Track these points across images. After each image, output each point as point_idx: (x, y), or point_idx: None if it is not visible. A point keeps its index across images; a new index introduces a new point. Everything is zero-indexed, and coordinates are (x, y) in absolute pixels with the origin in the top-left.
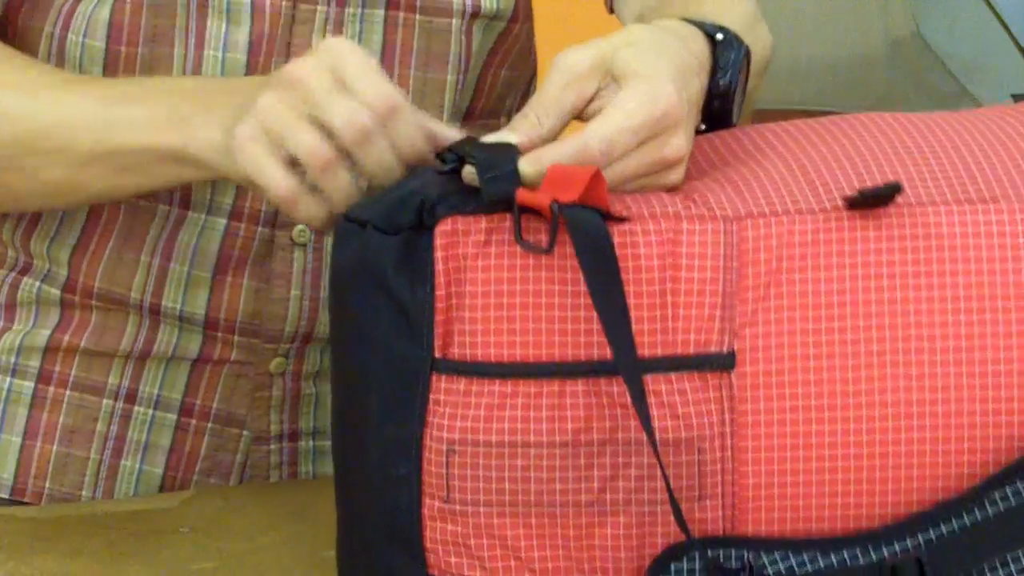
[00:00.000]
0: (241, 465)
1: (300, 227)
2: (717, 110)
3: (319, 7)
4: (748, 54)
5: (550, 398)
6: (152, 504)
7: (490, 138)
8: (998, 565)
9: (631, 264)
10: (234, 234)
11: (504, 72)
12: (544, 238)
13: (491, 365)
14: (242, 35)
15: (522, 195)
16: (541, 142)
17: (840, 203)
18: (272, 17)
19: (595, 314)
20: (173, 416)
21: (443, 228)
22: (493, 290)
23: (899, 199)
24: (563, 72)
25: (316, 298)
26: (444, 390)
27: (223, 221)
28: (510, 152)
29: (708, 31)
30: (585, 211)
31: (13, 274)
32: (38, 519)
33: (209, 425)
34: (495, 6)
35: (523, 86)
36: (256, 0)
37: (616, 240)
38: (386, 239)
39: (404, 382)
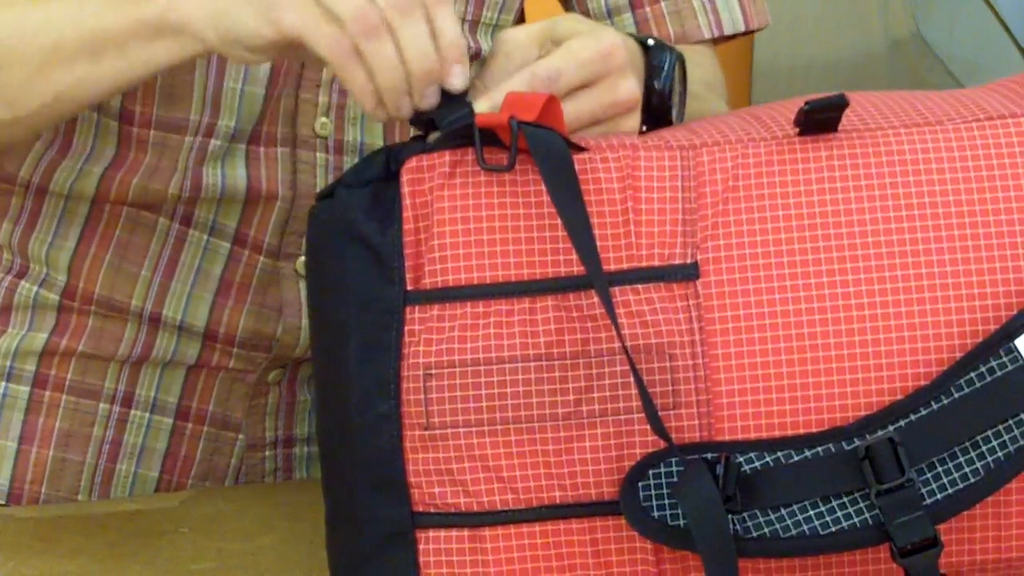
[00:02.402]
0: (236, 469)
1: (304, 259)
2: (656, 108)
3: None
4: (681, 59)
5: (521, 315)
6: (152, 504)
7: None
8: (968, 447)
9: (592, 187)
10: (237, 259)
11: None
12: (506, 162)
13: (462, 288)
14: (262, 70)
15: (481, 118)
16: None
17: (790, 130)
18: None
19: (560, 231)
20: (169, 420)
21: (408, 166)
22: (460, 217)
23: (848, 124)
24: (505, 43)
25: None
26: (418, 320)
27: (227, 245)
28: (464, 102)
29: (639, 39)
30: (542, 129)
31: (9, 277)
32: (38, 519)
33: (205, 429)
34: (495, 16)
35: None
36: None
37: (576, 167)
38: (355, 192)
39: (380, 322)
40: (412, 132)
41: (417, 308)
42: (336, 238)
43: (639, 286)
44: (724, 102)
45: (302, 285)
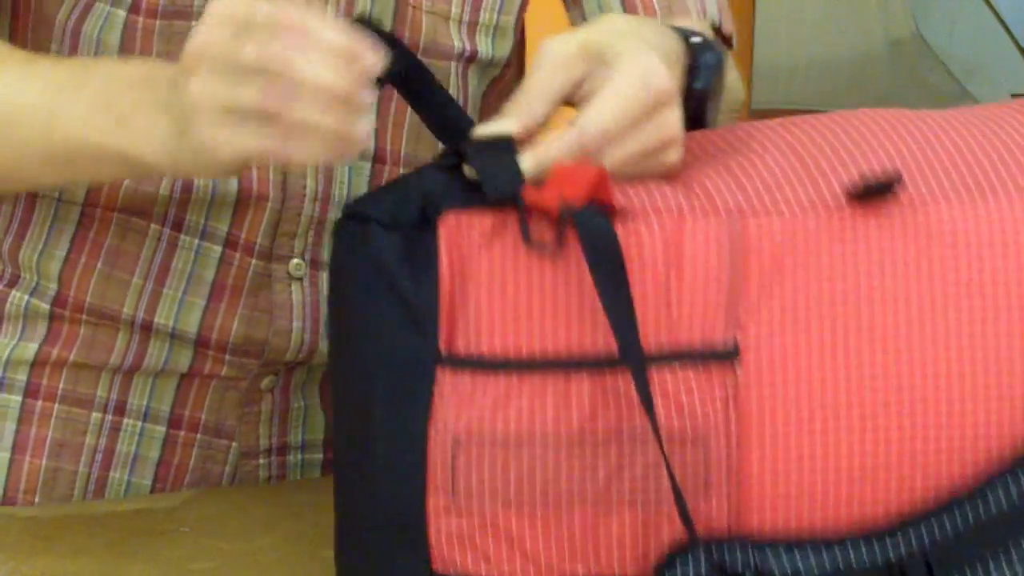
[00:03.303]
0: (230, 477)
1: (296, 261)
2: (692, 111)
3: None
4: (722, 59)
5: (556, 390)
6: (152, 504)
7: (485, 129)
8: (1000, 554)
9: (635, 259)
10: (229, 263)
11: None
12: (548, 233)
13: (496, 358)
14: None
15: (529, 195)
16: (535, 127)
17: (841, 196)
18: None
19: (601, 311)
20: (162, 428)
21: (447, 222)
22: (498, 283)
23: (900, 192)
24: (550, 57)
25: (316, 329)
26: (449, 383)
27: (219, 248)
28: (507, 148)
29: (684, 34)
30: (593, 214)
31: (0, 287)
32: (38, 519)
33: (198, 437)
34: (490, 52)
35: None
36: None
37: (620, 236)
38: (389, 235)
39: (409, 375)
40: (411, 138)
41: (449, 371)
42: (366, 277)
43: (677, 367)
44: (735, 82)
45: (294, 287)
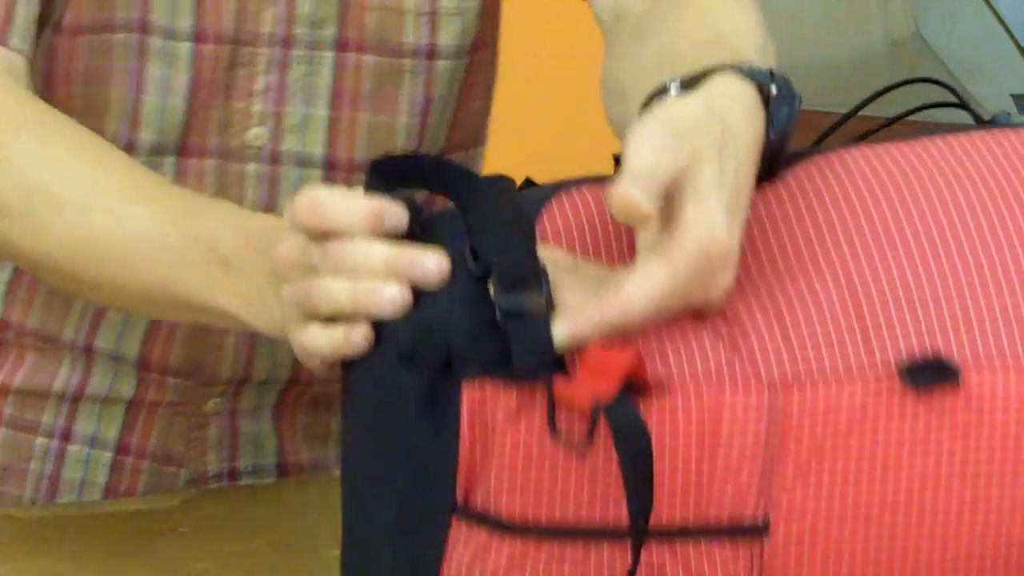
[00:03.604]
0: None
1: None
2: (766, 161)
3: (261, 49)
4: (797, 108)
5: (574, 559)
6: (152, 504)
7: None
8: None
9: (668, 435)
10: None
11: (475, 103)
12: (576, 424)
13: (515, 521)
14: (182, 81)
15: (560, 389)
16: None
17: (893, 366)
18: (213, 62)
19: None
20: (109, 454)
21: (471, 391)
22: (521, 456)
23: (958, 379)
24: (625, 204)
25: (252, 343)
26: (464, 538)
27: None
28: (542, 314)
29: (760, 81)
30: (625, 408)
31: None
32: (38, 519)
33: (146, 463)
34: (455, 42)
35: (490, 110)
36: (196, 47)
37: (654, 416)
38: (409, 376)
39: (423, 516)
40: (364, 145)
41: (464, 524)
42: (381, 416)
43: (702, 542)
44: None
45: None
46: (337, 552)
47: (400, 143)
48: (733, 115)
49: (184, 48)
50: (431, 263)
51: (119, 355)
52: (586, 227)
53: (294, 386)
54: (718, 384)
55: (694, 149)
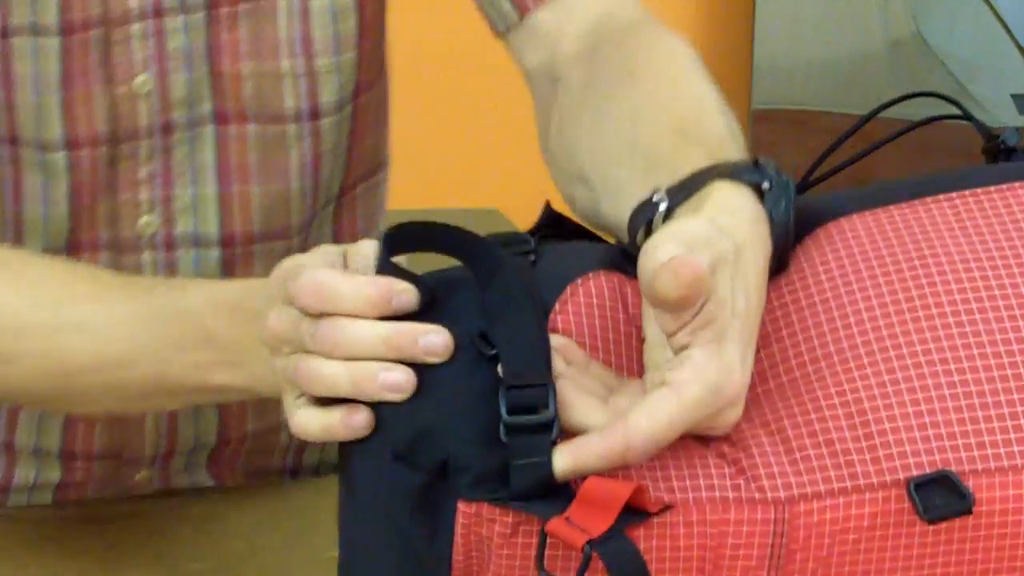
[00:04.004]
0: None
1: None
2: (774, 266)
3: (141, 142)
4: (792, 197)
5: None
6: (151, 505)
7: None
8: None
9: (668, 555)
10: None
11: (367, 140)
12: (569, 562)
13: None
14: (61, 188)
15: (553, 526)
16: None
17: (901, 478)
18: (92, 164)
19: None
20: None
21: (466, 510)
22: (518, 572)
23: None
24: (652, 348)
25: (173, 418)
26: None
27: None
28: (544, 439)
29: (752, 181)
30: (621, 544)
31: None
32: (38, 519)
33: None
34: (335, 97)
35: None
36: (72, 154)
37: (655, 531)
38: (406, 477)
39: None
40: (259, 216)
41: None
42: (377, 515)
43: None
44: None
45: None
46: (335, 553)
47: (295, 205)
48: (740, 230)
49: (59, 157)
50: (436, 342)
51: (41, 449)
52: (596, 319)
53: (225, 447)
54: (723, 505)
55: (711, 265)
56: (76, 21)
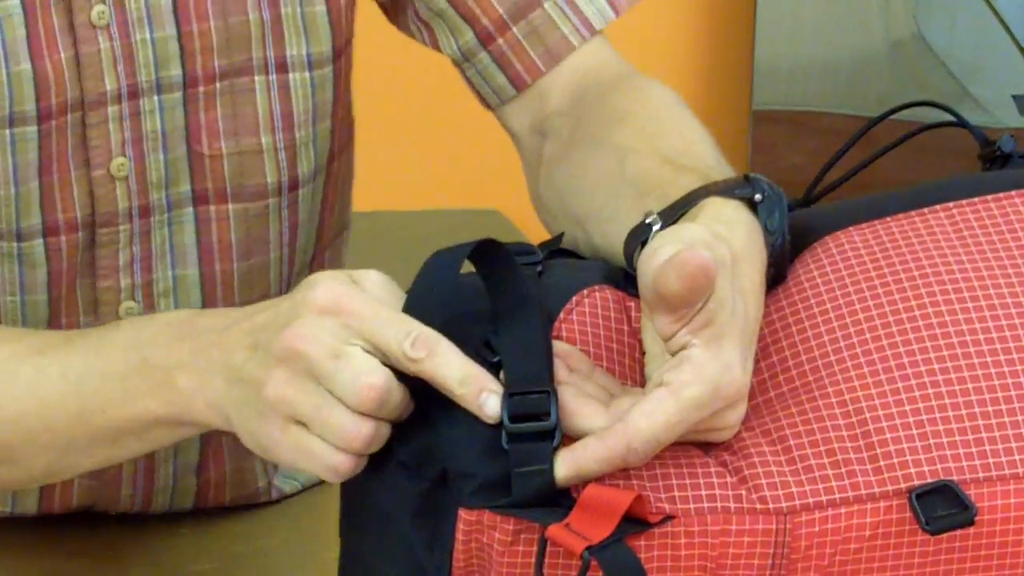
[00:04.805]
0: None
1: None
2: (771, 276)
3: (121, 225)
4: (786, 210)
5: None
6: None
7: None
8: None
9: (669, 565)
10: None
11: (340, 202)
12: (568, 568)
13: None
14: (39, 276)
15: (552, 532)
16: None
17: (903, 488)
18: (69, 252)
19: None
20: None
21: (467, 517)
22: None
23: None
24: (655, 364)
25: (151, 476)
26: None
27: None
28: (546, 446)
29: (743, 195)
30: (620, 551)
31: None
32: (38, 519)
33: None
34: (312, 167)
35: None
36: (50, 241)
37: (656, 541)
38: (408, 486)
39: None
40: (241, 290)
41: None
42: (379, 523)
43: None
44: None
45: None
46: (335, 554)
47: (273, 276)
48: (735, 239)
49: (37, 245)
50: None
51: (16, 513)
52: (600, 329)
53: (203, 508)
54: (724, 515)
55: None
56: (53, 106)
